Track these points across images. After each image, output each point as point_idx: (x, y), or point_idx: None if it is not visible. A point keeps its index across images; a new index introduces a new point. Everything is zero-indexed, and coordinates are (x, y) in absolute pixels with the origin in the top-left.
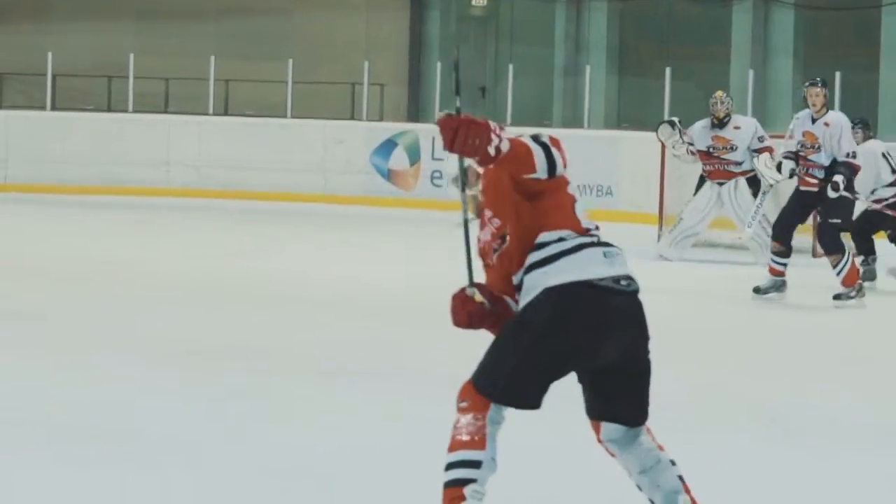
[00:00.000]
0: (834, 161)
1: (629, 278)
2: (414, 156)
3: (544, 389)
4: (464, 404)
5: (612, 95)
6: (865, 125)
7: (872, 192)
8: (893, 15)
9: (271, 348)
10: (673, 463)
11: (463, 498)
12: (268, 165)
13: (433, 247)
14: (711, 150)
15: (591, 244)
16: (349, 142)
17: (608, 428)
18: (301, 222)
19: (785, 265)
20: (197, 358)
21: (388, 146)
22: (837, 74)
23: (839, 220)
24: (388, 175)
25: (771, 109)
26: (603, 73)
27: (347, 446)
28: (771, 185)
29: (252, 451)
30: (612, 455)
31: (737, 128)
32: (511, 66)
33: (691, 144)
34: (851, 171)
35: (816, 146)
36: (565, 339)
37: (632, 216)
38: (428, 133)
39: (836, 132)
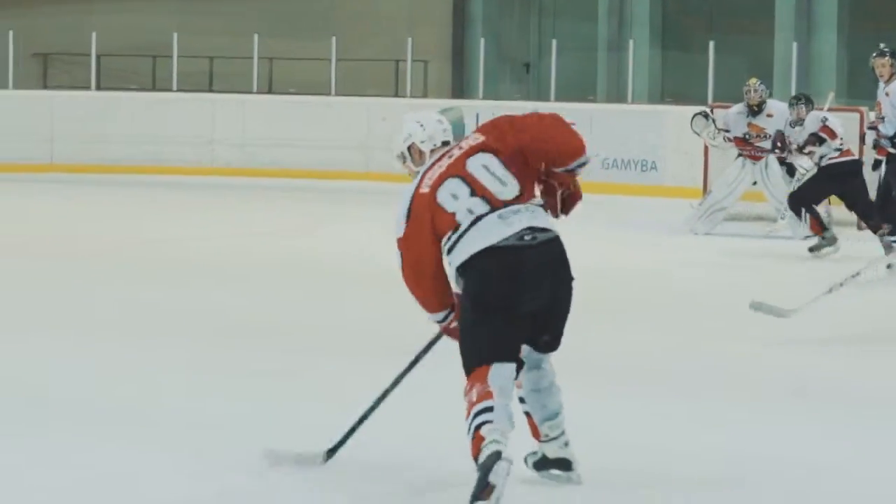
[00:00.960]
0: None
1: (533, 230)
2: (459, 131)
3: (514, 344)
4: (467, 386)
5: (655, 70)
6: (808, 100)
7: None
8: None
9: (320, 325)
10: (559, 390)
11: (483, 438)
12: (311, 143)
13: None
14: (748, 136)
15: (486, 214)
16: (393, 119)
17: (522, 349)
18: (345, 200)
19: None
20: (245, 336)
21: None
22: (882, 46)
23: None
24: None
25: (815, 82)
26: (646, 47)
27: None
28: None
29: (300, 431)
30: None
31: (769, 115)
32: (554, 42)
33: (727, 131)
34: None
35: (881, 116)
36: (496, 303)
37: (675, 191)
38: (472, 109)
39: None
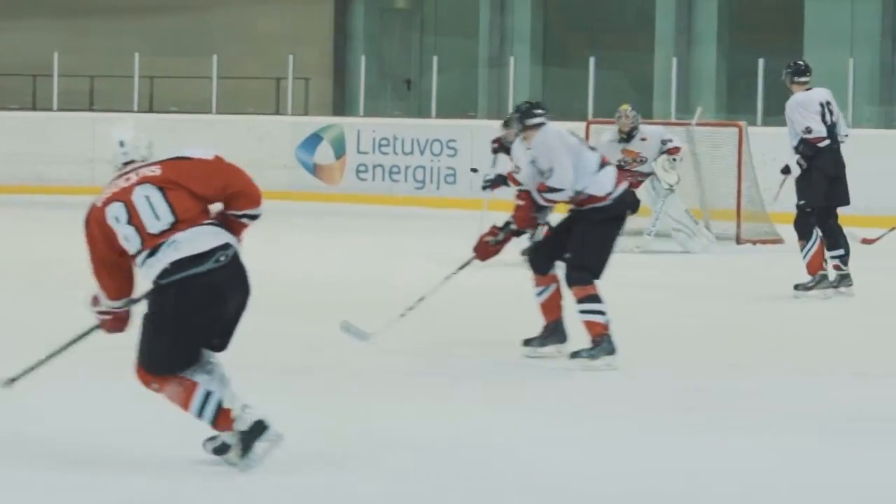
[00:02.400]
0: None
1: (222, 250)
2: (339, 150)
3: (200, 354)
4: (155, 386)
5: (536, 86)
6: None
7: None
8: (816, 0)
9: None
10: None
11: (230, 409)
12: None
13: (358, 240)
14: (622, 163)
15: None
16: (274, 136)
17: None
18: None
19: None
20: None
21: (313, 140)
22: (761, 61)
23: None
24: (314, 169)
25: (695, 97)
26: (527, 63)
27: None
28: (669, 188)
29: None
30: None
31: (643, 139)
32: (435, 59)
33: None
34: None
35: None
36: (199, 324)
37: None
38: (353, 127)
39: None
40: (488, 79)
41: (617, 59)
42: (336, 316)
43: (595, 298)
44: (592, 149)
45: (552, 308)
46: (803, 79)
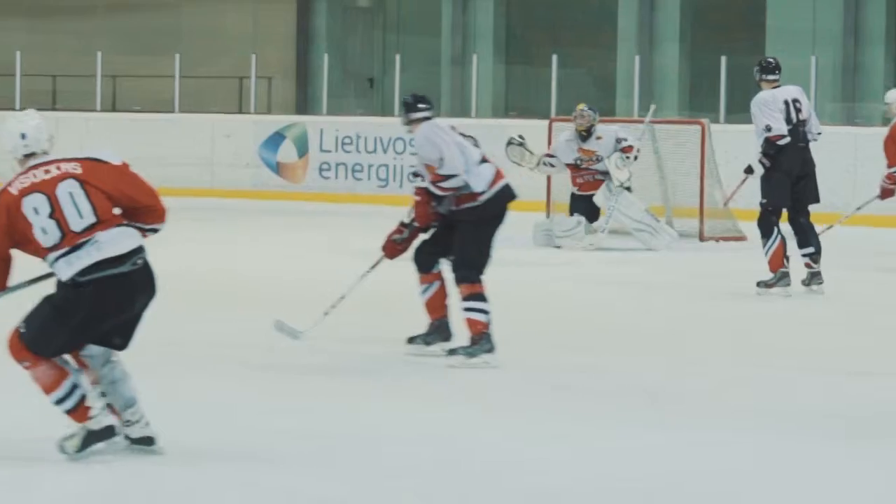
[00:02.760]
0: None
1: (136, 253)
2: (302, 148)
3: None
4: (27, 364)
5: (499, 84)
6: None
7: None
8: None
9: (158, 340)
10: (129, 376)
11: (89, 408)
12: (156, 161)
13: (321, 239)
14: (579, 162)
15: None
16: (237, 135)
17: (94, 349)
18: (189, 217)
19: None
20: None
21: (276, 139)
22: (723, 59)
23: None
24: (277, 168)
25: (657, 95)
26: (490, 62)
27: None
28: (620, 185)
29: None
30: (85, 366)
31: (599, 138)
32: (398, 57)
33: (551, 156)
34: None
35: None
36: (96, 321)
37: (521, 205)
38: (316, 125)
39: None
40: (451, 77)
41: (579, 56)
42: (296, 313)
43: (480, 297)
44: (476, 146)
45: (436, 306)
46: (772, 77)
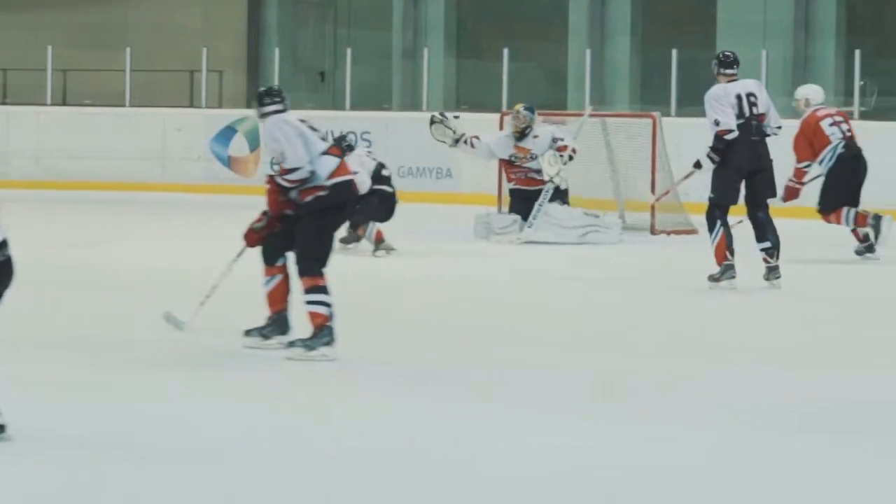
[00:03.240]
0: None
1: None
2: (254, 142)
3: None
4: None
5: (450, 78)
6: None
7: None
8: None
9: (112, 338)
10: None
11: None
12: (107, 155)
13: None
14: (513, 158)
15: None
16: (188, 129)
17: None
18: (141, 211)
19: None
20: (31, 347)
21: (227, 133)
22: (674, 52)
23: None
24: (228, 162)
25: (609, 88)
26: (441, 55)
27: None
28: (550, 180)
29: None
30: None
31: (535, 137)
32: (349, 51)
33: (476, 138)
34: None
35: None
36: None
37: (471, 198)
38: None
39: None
40: (402, 71)
41: (531, 50)
42: (242, 307)
43: (321, 289)
44: (324, 139)
45: (277, 299)
46: (729, 71)
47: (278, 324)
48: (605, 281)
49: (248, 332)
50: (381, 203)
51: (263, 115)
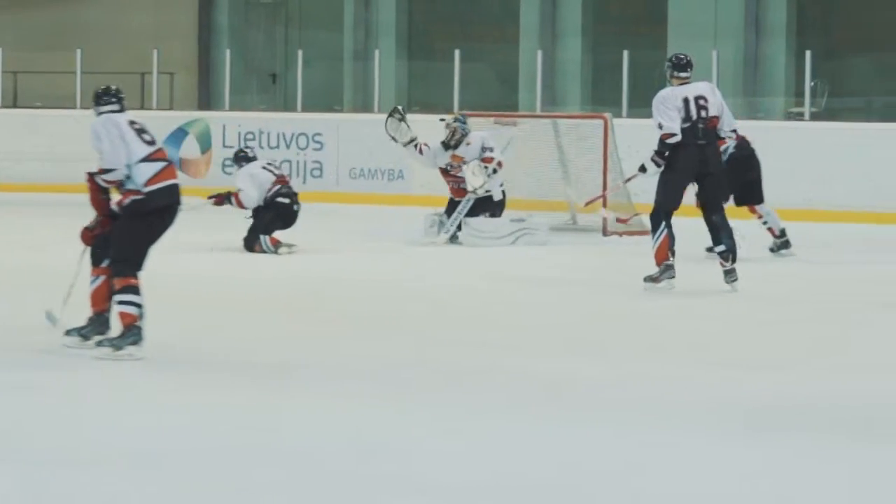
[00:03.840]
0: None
1: None
2: (205, 144)
3: None
4: None
5: (402, 79)
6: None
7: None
8: None
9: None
10: None
11: None
12: (58, 157)
13: (222, 234)
14: (449, 167)
15: None
16: None
17: None
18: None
19: None
20: None
21: (178, 135)
22: (626, 53)
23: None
24: (180, 163)
25: (560, 89)
26: (393, 57)
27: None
28: (474, 191)
29: None
30: None
31: (468, 144)
32: (301, 52)
33: (426, 145)
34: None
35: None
36: None
37: (423, 199)
38: (218, 121)
39: None
40: (353, 72)
41: (482, 51)
42: (192, 309)
43: (132, 290)
44: (151, 143)
45: (99, 299)
46: (682, 74)
47: (97, 324)
48: (556, 281)
49: (68, 332)
50: (276, 218)
51: (100, 115)
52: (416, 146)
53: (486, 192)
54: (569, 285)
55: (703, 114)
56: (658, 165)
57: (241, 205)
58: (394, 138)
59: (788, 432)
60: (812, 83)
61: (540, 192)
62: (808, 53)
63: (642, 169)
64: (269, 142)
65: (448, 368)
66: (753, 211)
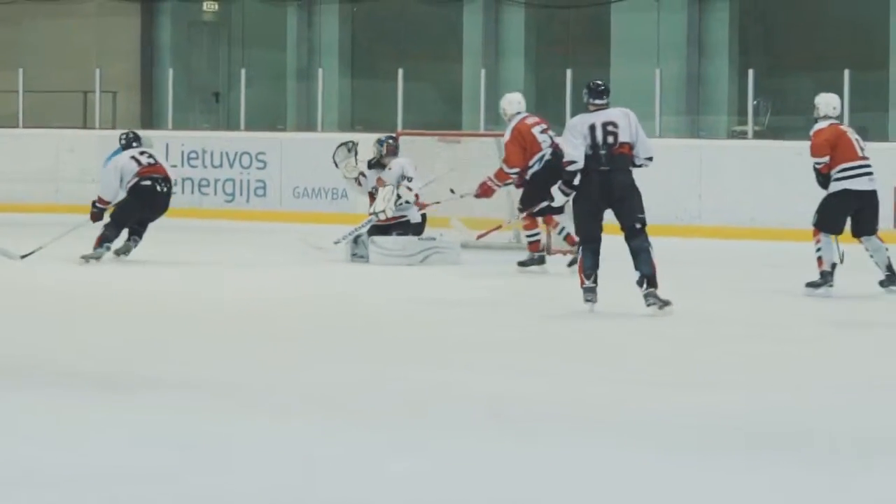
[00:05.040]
0: None
1: None
2: None
3: None
4: None
5: (345, 98)
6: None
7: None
8: (622, 12)
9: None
10: None
11: None
12: (0, 176)
13: (170, 253)
14: (374, 190)
15: None
16: (81, 150)
17: None
18: (35, 233)
19: None
20: None
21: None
22: (569, 72)
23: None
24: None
25: (498, 108)
26: (336, 75)
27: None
28: (374, 214)
29: None
30: None
31: (390, 169)
32: (244, 71)
33: (364, 175)
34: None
35: None
36: None
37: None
38: (162, 139)
39: None
40: (297, 91)
41: (425, 70)
42: (131, 327)
43: None
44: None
45: None
46: (598, 101)
47: None
48: (499, 302)
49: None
50: (140, 205)
51: None
52: (356, 181)
53: (387, 219)
54: (515, 304)
55: (609, 139)
56: (565, 194)
57: (102, 201)
58: (337, 165)
59: (716, 451)
60: (755, 102)
61: (483, 212)
62: (750, 72)
63: (550, 198)
64: (212, 161)
65: (403, 387)
66: (549, 221)
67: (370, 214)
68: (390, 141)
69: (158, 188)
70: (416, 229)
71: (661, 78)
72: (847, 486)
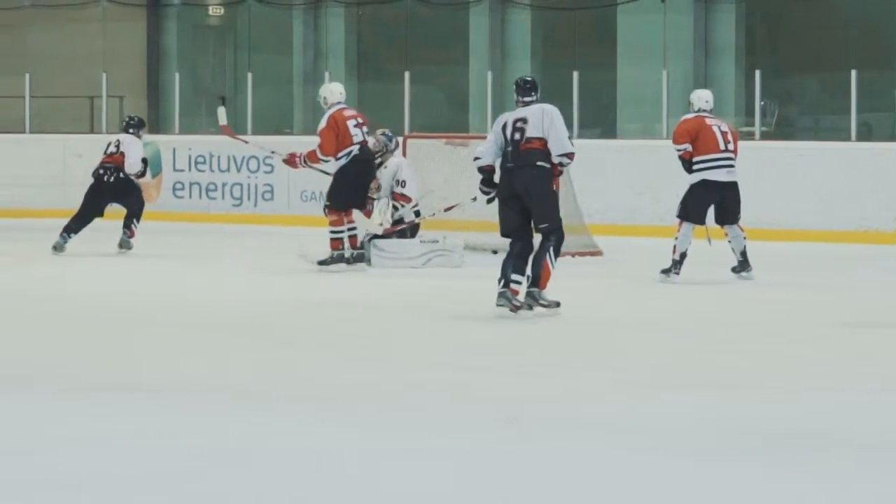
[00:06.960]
0: None
1: None
2: (156, 167)
3: None
4: None
5: (352, 101)
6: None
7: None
8: (628, 14)
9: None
10: None
11: None
12: (7, 181)
13: (176, 258)
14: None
15: None
16: (89, 155)
17: None
18: (43, 238)
19: None
20: None
21: None
22: (575, 74)
23: None
24: None
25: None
26: (342, 79)
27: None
28: (367, 236)
29: None
30: None
31: (385, 167)
32: (250, 75)
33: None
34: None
35: None
36: None
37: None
38: (169, 144)
39: None
40: (303, 95)
41: (432, 73)
42: (140, 332)
43: None
44: None
45: None
46: (526, 98)
47: None
48: (489, 302)
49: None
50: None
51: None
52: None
53: (385, 231)
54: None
55: (516, 136)
56: (484, 192)
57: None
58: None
59: (699, 452)
60: (762, 103)
61: (487, 214)
62: (757, 73)
63: (474, 199)
64: (219, 165)
65: (404, 388)
66: (368, 215)
67: (366, 235)
68: (384, 137)
69: (106, 178)
70: (413, 230)
71: (667, 79)
72: (847, 486)
